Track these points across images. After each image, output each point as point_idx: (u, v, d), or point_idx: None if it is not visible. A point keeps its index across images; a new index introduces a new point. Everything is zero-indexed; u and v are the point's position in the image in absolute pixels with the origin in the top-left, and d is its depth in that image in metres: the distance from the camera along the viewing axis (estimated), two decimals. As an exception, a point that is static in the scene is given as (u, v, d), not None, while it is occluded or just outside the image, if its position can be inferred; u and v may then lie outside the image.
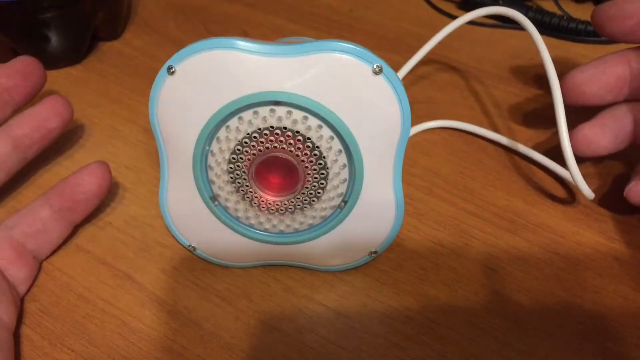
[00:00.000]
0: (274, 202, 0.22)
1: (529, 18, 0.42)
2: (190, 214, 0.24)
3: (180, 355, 0.22)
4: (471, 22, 0.30)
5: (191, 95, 0.21)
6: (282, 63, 0.20)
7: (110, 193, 0.28)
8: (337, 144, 0.21)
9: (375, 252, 0.24)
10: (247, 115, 0.20)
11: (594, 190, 0.26)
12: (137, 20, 0.43)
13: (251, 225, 0.23)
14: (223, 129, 0.21)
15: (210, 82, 0.20)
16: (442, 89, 0.36)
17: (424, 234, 0.27)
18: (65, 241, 0.26)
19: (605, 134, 0.26)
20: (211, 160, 0.22)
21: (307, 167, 0.21)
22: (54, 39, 0.35)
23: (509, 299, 0.24)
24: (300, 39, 0.27)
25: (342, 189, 0.22)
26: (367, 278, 0.25)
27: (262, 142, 0.21)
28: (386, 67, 0.20)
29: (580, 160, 0.26)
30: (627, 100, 0.26)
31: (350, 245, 0.24)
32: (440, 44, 0.31)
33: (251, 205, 0.22)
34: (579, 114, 0.28)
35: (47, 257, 0.25)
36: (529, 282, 0.25)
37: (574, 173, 0.25)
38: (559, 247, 0.26)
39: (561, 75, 0.27)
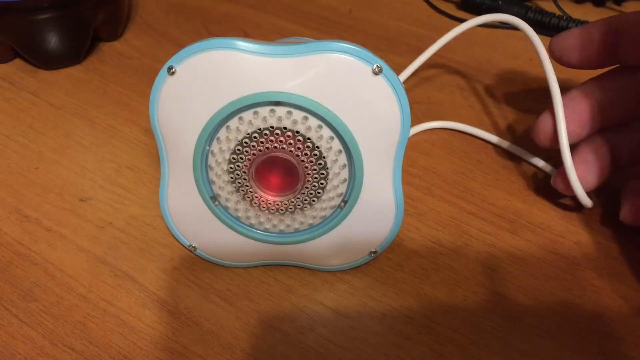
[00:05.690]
0: (274, 202, 0.22)
1: (529, 18, 0.42)
2: (191, 213, 0.24)
3: (181, 355, 0.22)
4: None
5: (191, 95, 0.21)
6: (282, 63, 0.20)
7: (111, 193, 0.28)
8: (337, 144, 0.21)
9: (375, 252, 0.24)
10: (248, 115, 0.20)
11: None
12: (137, 20, 0.43)
13: (251, 225, 0.23)
14: (223, 129, 0.21)
15: (210, 82, 0.20)
16: (441, 90, 0.36)
17: (424, 234, 0.27)
18: (66, 241, 0.26)
19: (590, 170, 0.26)
20: (211, 160, 0.22)
21: (307, 167, 0.21)
22: (55, 39, 0.35)
23: (509, 299, 0.24)
24: (300, 39, 0.28)
25: (342, 189, 0.22)
26: (367, 278, 0.25)
27: (262, 142, 0.21)
28: (386, 68, 0.20)
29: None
30: (601, 129, 0.27)
31: (350, 245, 0.24)
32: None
33: (251, 205, 0.23)
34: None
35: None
36: (529, 282, 0.25)
37: (573, 183, 0.25)
38: (558, 247, 0.26)
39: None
